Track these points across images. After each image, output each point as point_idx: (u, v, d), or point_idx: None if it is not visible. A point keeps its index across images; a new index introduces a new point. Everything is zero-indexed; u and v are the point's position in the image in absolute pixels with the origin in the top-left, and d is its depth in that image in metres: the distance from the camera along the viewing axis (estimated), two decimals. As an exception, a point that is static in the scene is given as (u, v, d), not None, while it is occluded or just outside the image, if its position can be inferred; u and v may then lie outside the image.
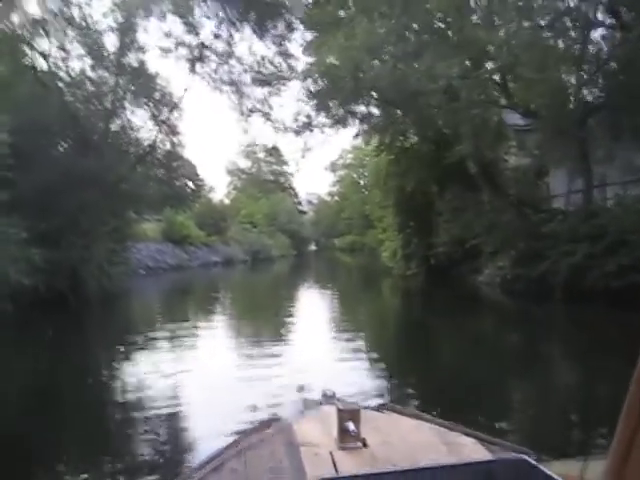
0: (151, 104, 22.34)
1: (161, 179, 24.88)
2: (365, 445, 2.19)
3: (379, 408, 2.90)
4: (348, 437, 2.19)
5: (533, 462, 1.67)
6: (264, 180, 76.93)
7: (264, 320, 16.60)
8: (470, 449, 2.19)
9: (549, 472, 1.56)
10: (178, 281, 32.64)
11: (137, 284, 28.16)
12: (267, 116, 24.11)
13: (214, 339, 12.94)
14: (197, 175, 66.79)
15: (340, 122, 24.81)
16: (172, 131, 22.58)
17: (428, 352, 10.64)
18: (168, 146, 23.00)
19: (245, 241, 49.97)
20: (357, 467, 1.96)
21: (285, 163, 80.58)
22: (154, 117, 22.39)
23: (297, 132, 23.46)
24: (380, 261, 32.22)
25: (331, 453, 2.13)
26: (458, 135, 18.55)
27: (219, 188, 72.75)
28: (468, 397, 6.80)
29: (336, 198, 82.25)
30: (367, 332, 13.84)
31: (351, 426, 2.18)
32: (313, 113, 23.87)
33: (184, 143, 23.97)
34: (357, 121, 25.10)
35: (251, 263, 47.57)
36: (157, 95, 22.40)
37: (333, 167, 78.09)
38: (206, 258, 42.31)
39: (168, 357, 10.54)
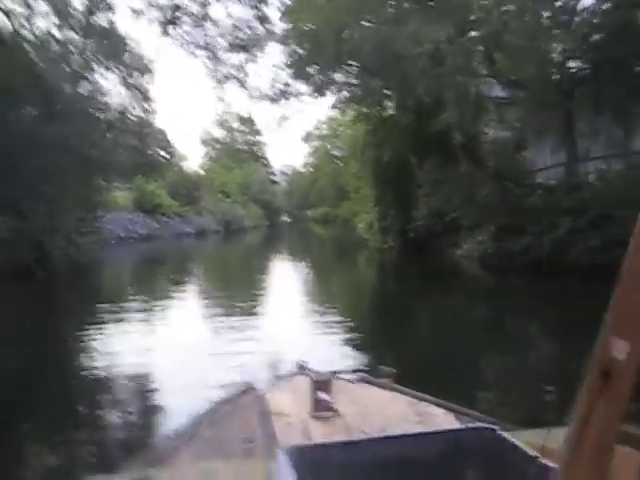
0: (121, 67, 21.25)
1: (132, 146, 23.66)
2: (338, 414, 2.22)
3: (352, 379, 2.93)
4: (321, 407, 2.22)
5: (499, 431, 1.70)
6: (238, 150, 75.77)
7: (237, 292, 15.98)
8: (440, 419, 2.24)
9: (514, 440, 1.59)
10: (149, 251, 31.79)
11: (108, 254, 27.31)
12: (243, 83, 23.14)
13: (185, 311, 12.39)
14: (169, 143, 65.56)
15: (318, 91, 24.08)
16: (143, 96, 21.53)
17: (403, 326, 10.28)
18: (139, 112, 21.85)
19: (218, 211, 49.07)
20: (329, 436, 1.99)
21: (258, 133, 79.59)
22: (124, 81, 21.35)
23: (273, 100, 22.66)
24: (354, 233, 31.80)
25: (304, 422, 2.15)
26: (439, 104, 18.00)
27: (194, 158, 71.50)
28: (441, 371, 6.52)
29: (310, 169, 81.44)
30: (342, 305, 13.36)
31: (324, 396, 2.22)
32: (290, 80, 23.20)
33: (156, 110, 22.95)
34: (335, 90, 24.47)
35: (224, 234, 46.77)
36: (127, 58, 21.33)
37: (308, 138, 77.09)
38: (178, 228, 41.43)
39: (137, 329, 10.14)
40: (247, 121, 77.07)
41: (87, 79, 20.23)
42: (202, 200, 48.20)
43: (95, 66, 20.48)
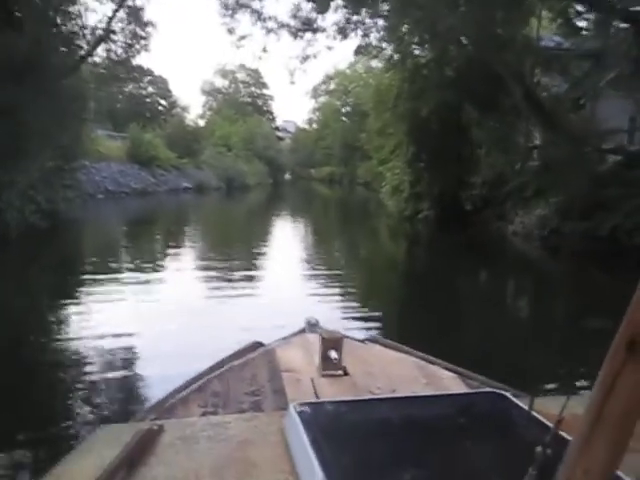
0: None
1: (117, 77, 19.39)
2: (346, 373, 2.15)
3: (363, 340, 2.78)
4: (330, 365, 2.13)
5: (510, 397, 1.63)
6: (241, 102, 71.00)
7: (240, 261, 12.72)
8: (449, 382, 2.16)
9: (526, 407, 1.43)
10: (142, 208, 27.76)
11: (93, 211, 23.40)
12: (257, 14, 18.74)
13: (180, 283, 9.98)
14: (169, 91, 60.93)
15: (341, 31, 20.14)
16: (134, 16, 16.89)
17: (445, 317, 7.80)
18: (128, 36, 17.23)
19: (219, 166, 44.63)
20: (337, 394, 1.95)
21: (265, 86, 74.94)
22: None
23: (294, 33, 18.50)
24: (363, 195, 27.89)
25: (312, 380, 2.09)
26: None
27: (193, 109, 66.66)
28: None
29: (315, 126, 76.91)
30: (367, 293, 10.32)
31: (333, 354, 2.12)
32: (313, 15, 19.13)
33: (151, 37, 18.03)
34: (361, 32, 20.49)
35: (225, 191, 42.59)
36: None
37: (315, 93, 72.35)
38: (176, 183, 37.14)
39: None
40: (254, 72, 72.46)
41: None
42: (202, 153, 43.92)
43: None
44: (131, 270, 11.03)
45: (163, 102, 60.68)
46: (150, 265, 11.81)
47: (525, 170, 15.09)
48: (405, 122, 19.37)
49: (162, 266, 12.05)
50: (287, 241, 17.72)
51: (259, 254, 14.21)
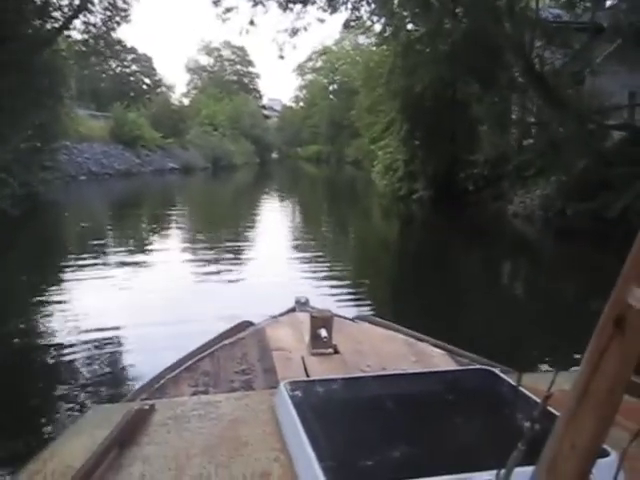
0: None
1: (98, 52, 18.31)
2: (336, 352, 2.13)
3: (353, 318, 2.73)
4: (320, 343, 2.10)
5: (499, 373, 1.63)
6: (227, 80, 69.53)
7: (228, 243, 11.99)
8: (438, 359, 2.16)
9: (514, 383, 1.49)
10: (126, 189, 26.79)
11: (74, 193, 22.43)
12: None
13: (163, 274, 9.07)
14: (153, 69, 59.43)
15: (331, 4, 19.34)
16: None
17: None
18: (107, 7, 16.00)
19: (205, 145, 43.49)
20: (328, 372, 1.92)
21: (251, 63, 73.44)
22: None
23: (283, 5, 17.56)
24: (350, 174, 27.08)
25: (302, 358, 2.08)
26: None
27: (178, 88, 65.08)
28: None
29: (301, 104, 75.60)
30: (358, 267, 10.26)
31: (323, 332, 2.10)
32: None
33: (131, 7, 16.73)
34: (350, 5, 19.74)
35: (212, 171, 41.55)
36: None
37: (301, 70, 70.98)
38: (161, 163, 36.07)
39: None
40: (239, 50, 70.92)
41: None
42: (188, 132, 42.78)
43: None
44: (112, 254, 10.44)
45: (147, 81, 59.12)
46: (134, 249, 11.22)
47: (526, 148, 14.40)
48: (398, 99, 18.52)
49: (147, 250, 11.39)
50: (276, 225, 16.88)
51: (247, 238, 13.57)
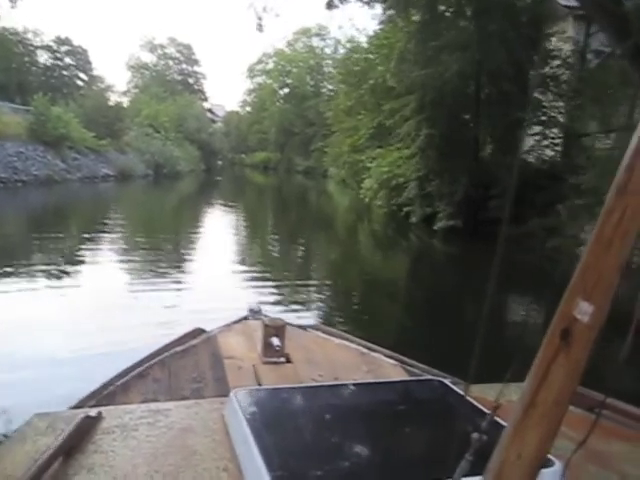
0: None
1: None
2: (289, 360, 2.09)
3: (305, 327, 2.71)
4: (272, 352, 2.06)
5: (449, 384, 1.63)
6: (171, 80, 63.22)
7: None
8: (390, 370, 2.12)
9: (463, 394, 1.50)
10: (43, 203, 20.60)
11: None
12: None
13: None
14: (89, 63, 52.67)
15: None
16: None
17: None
18: None
19: (147, 149, 37.12)
20: (280, 381, 1.88)
21: (197, 63, 67.37)
22: None
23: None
24: (301, 184, 22.19)
25: (254, 366, 2.04)
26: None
27: (118, 87, 58.19)
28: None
29: (248, 109, 70.05)
30: None
31: (276, 341, 2.06)
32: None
33: None
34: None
35: (154, 178, 35.38)
36: None
37: (251, 72, 65.39)
38: (93, 169, 29.58)
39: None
40: (185, 48, 64.82)
41: None
42: (126, 134, 36.50)
43: None
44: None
45: (83, 76, 52.26)
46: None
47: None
48: (415, 95, 13.46)
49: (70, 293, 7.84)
50: (230, 249, 12.61)
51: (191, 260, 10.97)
